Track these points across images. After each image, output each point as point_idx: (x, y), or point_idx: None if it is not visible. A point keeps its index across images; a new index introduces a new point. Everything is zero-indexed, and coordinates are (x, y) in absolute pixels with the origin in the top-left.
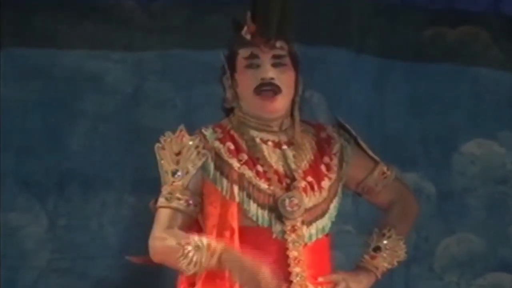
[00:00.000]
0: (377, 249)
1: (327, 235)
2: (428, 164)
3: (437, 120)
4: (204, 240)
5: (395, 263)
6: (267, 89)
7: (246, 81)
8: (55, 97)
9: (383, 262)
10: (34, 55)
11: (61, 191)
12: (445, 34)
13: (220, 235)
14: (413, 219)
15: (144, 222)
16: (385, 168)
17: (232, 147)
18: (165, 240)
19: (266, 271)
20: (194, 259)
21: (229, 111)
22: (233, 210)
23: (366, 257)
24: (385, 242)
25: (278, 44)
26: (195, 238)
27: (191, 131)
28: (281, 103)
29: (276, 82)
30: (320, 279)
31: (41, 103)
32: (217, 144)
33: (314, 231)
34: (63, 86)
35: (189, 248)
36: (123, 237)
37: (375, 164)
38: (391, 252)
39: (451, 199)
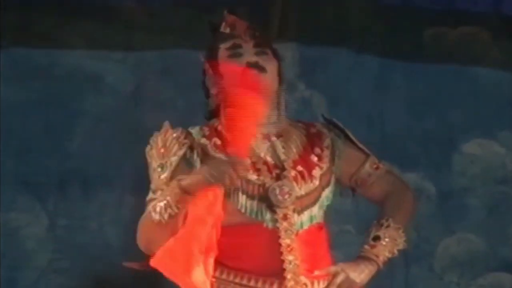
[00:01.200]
0: (376, 238)
1: (320, 227)
2: (428, 164)
3: (437, 120)
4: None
5: (395, 252)
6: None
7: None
8: (55, 97)
9: (383, 251)
10: (34, 55)
11: (61, 191)
12: (445, 34)
13: (203, 222)
14: (409, 209)
15: None
16: (376, 160)
17: (218, 142)
18: (141, 220)
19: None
20: (162, 204)
21: (212, 116)
22: (220, 199)
23: (366, 246)
24: (384, 231)
25: (257, 33)
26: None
27: None
28: (267, 81)
29: (261, 64)
30: (317, 273)
31: (41, 103)
32: (203, 140)
33: (305, 219)
34: (63, 86)
35: (155, 201)
36: (123, 237)
37: (366, 156)
38: (390, 240)
39: (451, 199)
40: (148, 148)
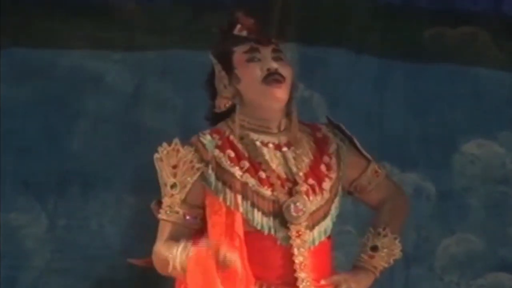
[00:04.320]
0: (374, 248)
1: (329, 237)
2: (428, 164)
3: (437, 120)
4: (182, 249)
5: (391, 262)
6: (275, 78)
7: (251, 73)
8: (55, 97)
9: (381, 261)
10: (34, 55)
11: (61, 191)
12: (445, 34)
13: (228, 243)
14: (404, 216)
15: (144, 222)
16: (376, 167)
17: (232, 154)
18: (159, 254)
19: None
20: (179, 267)
21: (215, 118)
22: (238, 219)
23: (364, 256)
24: (382, 241)
25: (273, 40)
26: (179, 248)
27: (190, 132)
28: (286, 92)
29: (281, 71)
30: (323, 282)
31: (41, 103)
32: (217, 153)
33: (317, 234)
34: (63, 86)
35: (176, 258)
36: (123, 237)
37: (368, 163)
38: (388, 250)
39: (451, 199)
40: (156, 157)
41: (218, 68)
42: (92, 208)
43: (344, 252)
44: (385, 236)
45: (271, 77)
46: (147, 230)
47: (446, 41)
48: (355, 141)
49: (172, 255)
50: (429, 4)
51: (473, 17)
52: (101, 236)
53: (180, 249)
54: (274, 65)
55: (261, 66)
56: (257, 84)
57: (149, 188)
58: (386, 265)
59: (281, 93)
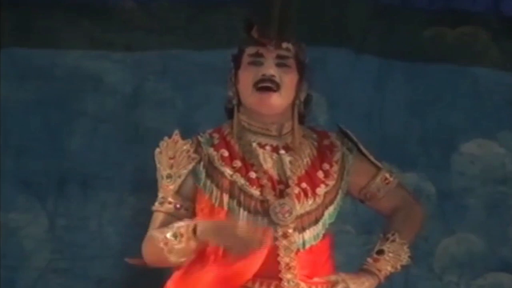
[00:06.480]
0: (380, 252)
1: (325, 237)
2: (428, 164)
3: (437, 120)
4: (178, 228)
5: (399, 267)
6: (266, 85)
7: (247, 76)
8: (55, 97)
9: (386, 265)
10: (34, 55)
11: (61, 191)
12: (445, 34)
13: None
14: (418, 225)
15: (144, 222)
16: (387, 175)
17: (226, 154)
18: (151, 239)
19: (242, 224)
20: (179, 247)
21: (231, 113)
22: (222, 217)
23: (369, 260)
24: (388, 245)
25: (284, 45)
26: (173, 227)
27: (190, 132)
28: (279, 100)
29: (276, 79)
30: (316, 280)
31: (41, 103)
32: (211, 151)
33: (307, 238)
34: (63, 86)
35: (172, 239)
36: (123, 237)
37: (378, 170)
38: (394, 255)
39: (451, 199)
40: (157, 151)
41: (231, 65)
42: (92, 208)
43: (343, 252)
44: (392, 241)
45: (262, 84)
46: (147, 230)
47: (446, 41)
48: (361, 147)
49: (170, 229)
50: (429, 4)
51: (473, 17)
52: (101, 236)
53: (180, 223)
54: (271, 71)
55: (258, 70)
56: (249, 88)
57: (149, 188)
58: (392, 270)
59: (269, 100)
